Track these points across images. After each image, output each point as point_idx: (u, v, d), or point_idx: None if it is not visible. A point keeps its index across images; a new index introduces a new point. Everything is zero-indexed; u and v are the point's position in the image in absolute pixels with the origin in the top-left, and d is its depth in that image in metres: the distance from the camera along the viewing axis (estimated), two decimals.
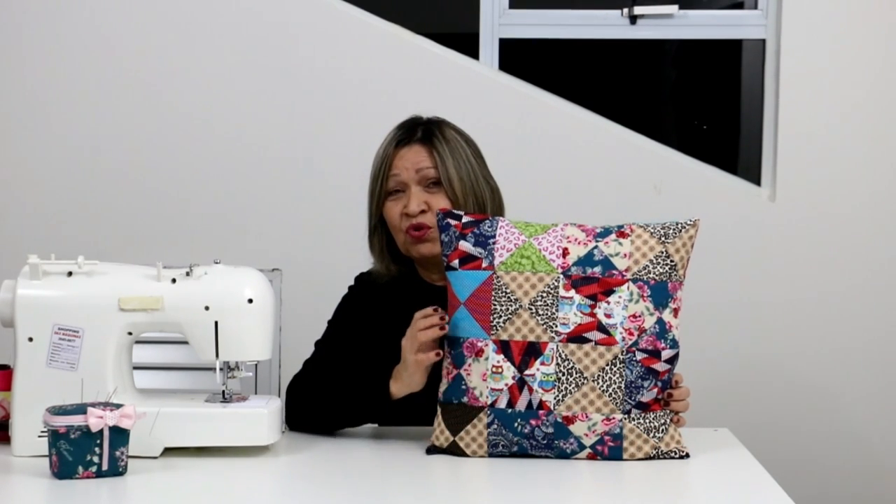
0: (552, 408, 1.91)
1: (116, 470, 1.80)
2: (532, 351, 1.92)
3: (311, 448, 2.03)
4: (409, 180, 2.21)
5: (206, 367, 2.04)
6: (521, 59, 3.49)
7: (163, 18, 3.28)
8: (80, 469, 1.77)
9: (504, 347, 1.93)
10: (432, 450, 1.99)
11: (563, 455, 1.94)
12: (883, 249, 3.26)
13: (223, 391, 1.99)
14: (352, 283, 2.35)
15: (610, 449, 1.93)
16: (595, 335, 1.92)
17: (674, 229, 1.98)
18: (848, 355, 3.27)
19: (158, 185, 3.28)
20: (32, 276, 1.94)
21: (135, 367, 2.02)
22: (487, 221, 2.02)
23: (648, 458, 1.94)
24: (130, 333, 1.96)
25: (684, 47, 4.01)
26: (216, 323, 1.95)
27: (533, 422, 1.92)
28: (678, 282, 1.97)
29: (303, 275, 3.14)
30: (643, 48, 3.91)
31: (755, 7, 3.37)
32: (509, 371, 1.93)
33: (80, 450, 1.77)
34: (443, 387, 1.99)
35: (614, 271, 1.94)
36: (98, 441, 1.78)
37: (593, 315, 1.92)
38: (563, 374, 1.91)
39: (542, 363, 1.92)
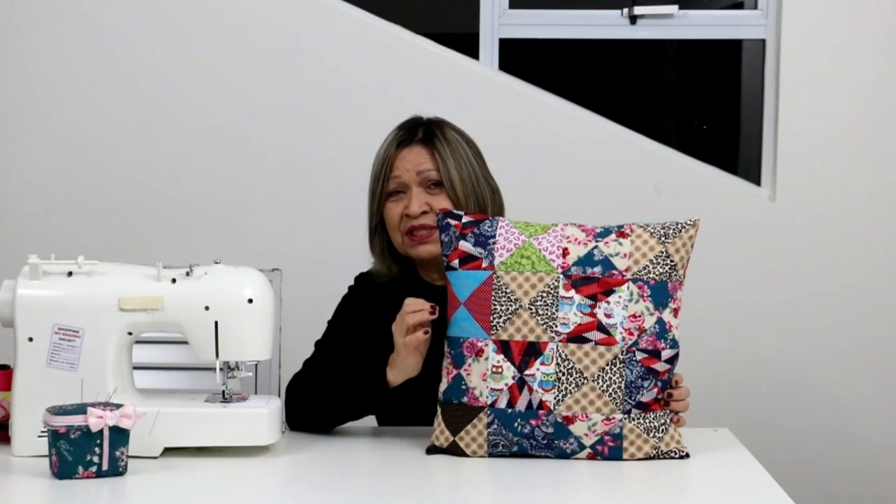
0: (552, 408, 1.91)
1: (116, 470, 1.80)
2: (532, 351, 1.92)
3: (311, 448, 2.03)
4: (411, 181, 2.21)
5: (206, 367, 2.04)
6: (521, 59, 3.49)
7: (163, 18, 3.28)
8: (80, 469, 1.78)
9: (504, 347, 1.93)
10: (432, 450, 1.99)
11: (563, 455, 1.94)
12: (883, 249, 3.26)
13: (223, 391, 1.99)
14: (352, 283, 2.35)
15: (610, 449, 1.93)
16: (595, 335, 1.92)
17: (674, 229, 1.98)
18: (848, 355, 3.27)
19: (158, 185, 3.28)
20: (32, 276, 1.94)
21: (135, 367, 2.02)
22: (487, 221, 2.02)
23: (648, 458, 1.94)
24: (130, 333, 1.96)
25: (684, 47, 4.01)
26: (216, 323, 1.95)
27: (533, 422, 1.92)
28: (678, 282, 1.97)
29: (303, 275, 3.14)
30: (643, 48, 3.91)
31: (755, 7, 3.37)
32: (509, 371, 1.93)
33: (80, 450, 1.77)
34: (443, 387, 1.99)
35: (614, 271, 1.94)
36: (98, 441, 1.78)
37: (593, 315, 1.92)
38: (563, 374, 1.91)
39: (542, 363, 1.92)
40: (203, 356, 1.97)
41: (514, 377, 1.92)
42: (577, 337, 1.92)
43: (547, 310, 1.93)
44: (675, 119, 4.35)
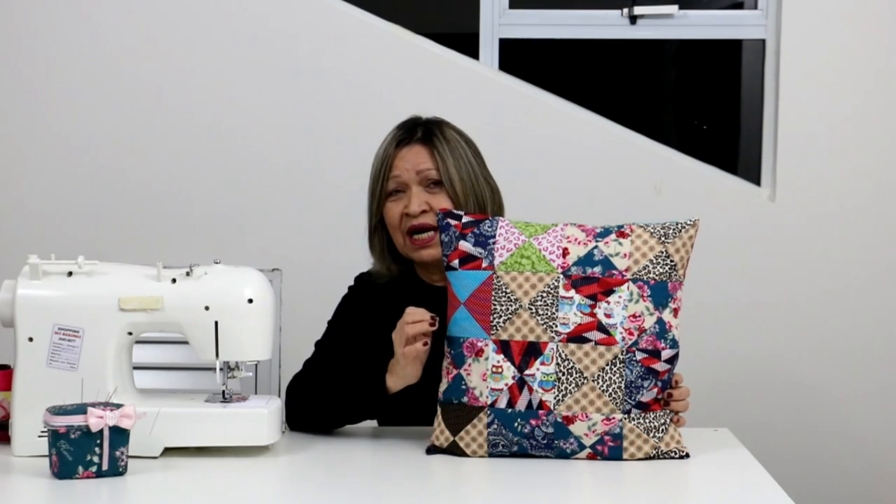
0: (552, 408, 1.91)
1: (116, 470, 1.80)
2: (532, 351, 1.92)
3: (311, 448, 2.03)
4: (410, 181, 2.21)
5: (206, 367, 2.04)
6: (521, 59, 3.49)
7: (163, 19, 3.28)
8: (80, 469, 1.78)
9: (504, 347, 1.93)
10: (432, 450, 1.99)
11: (563, 455, 1.94)
12: (883, 249, 3.26)
13: (223, 391, 1.99)
14: (352, 283, 2.35)
15: (610, 449, 1.93)
16: (595, 335, 1.92)
17: (674, 229, 1.98)
18: (848, 355, 3.26)
19: (158, 185, 3.28)
20: (32, 276, 1.94)
21: (135, 367, 2.02)
22: (487, 221, 2.02)
23: (648, 458, 1.94)
24: (130, 333, 1.96)
25: (684, 47, 4.01)
26: (216, 323, 1.95)
27: (533, 422, 1.92)
28: (678, 282, 1.97)
29: (303, 275, 3.14)
30: (643, 48, 3.90)
31: (755, 7, 3.37)
32: (509, 371, 1.93)
33: (80, 450, 1.77)
34: (443, 387, 1.99)
35: (614, 271, 1.94)
36: (98, 441, 1.78)
37: (593, 315, 1.92)
38: (563, 374, 1.91)
39: (542, 363, 1.92)
40: (203, 356, 1.97)
41: (514, 377, 1.92)
42: (577, 337, 1.92)
43: (547, 310, 1.93)
44: (675, 119, 4.34)
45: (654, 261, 1.95)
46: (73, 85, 3.28)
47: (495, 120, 3.23)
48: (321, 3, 3.28)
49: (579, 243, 1.96)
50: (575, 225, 2.00)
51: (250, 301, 1.96)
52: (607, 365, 1.92)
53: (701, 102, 4.25)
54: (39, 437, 1.90)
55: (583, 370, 1.91)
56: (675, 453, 1.95)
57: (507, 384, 1.93)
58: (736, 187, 3.32)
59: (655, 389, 1.94)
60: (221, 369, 1.99)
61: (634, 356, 1.92)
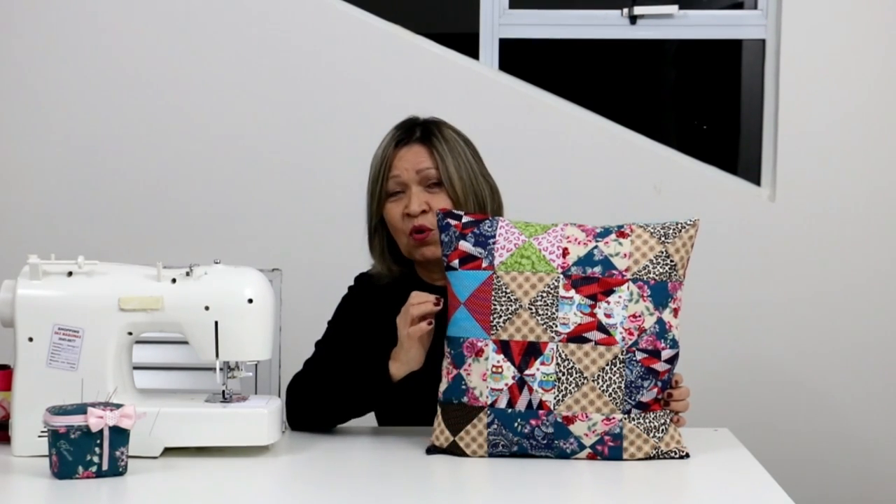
0: (552, 408, 1.91)
1: (116, 470, 1.80)
2: (532, 351, 1.92)
3: (311, 448, 2.03)
4: (410, 181, 2.21)
5: (206, 367, 2.04)
6: (521, 59, 3.49)
7: (163, 19, 3.28)
8: (80, 469, 1.77)
9: (504, 347, 1.93)
10: (432, 450, 1.99)
11: (563, 455, 1.94)
12: (883, 249, 3.26)
13: (223, 391, 1.99)
14: (352, 283, 2.35)
15: (610, 449, 1.93)
16: (595, 335, 1.92)
17: (674, 229, 1.98)
18: (848, 355, 3.27)
19: (158, 185, 3.28)
20: (32, 276, 1.94)
21: (135, 367, 2.02)
22: (487, 221, 2.02)
23: (648, 458, 1.94)
24: (130, 333, 1.96)
25: (684, 47, 4.01)
26: (216, 323, 1.95)
27: (533, 422, 1.92)
28: (678, 282, 1.97)
29: (303, 275, 3.14)
30: (643, 48, 3.90)
31: (755, 7, 3.37)
32: (509, 371, 1.93)
33: (80, 450, 1.77)
34: (443, 387, 1.99)
35: (614, 271, 1.94)
36: (98, 441, 1.78)
37: (593, 315, 1.92)
38: (563, 374, 1.91)
39: (542, 363, 1.92)
40: (203, 356, 1.97)
41: (514, 377, 1.92)
42: (577, 337, 1.92)
43: (547, 310, 1.92)
44: (675, 119, 4.35)
45: (655, 261, 1.95)
46: (73, 85, 3.28)
47: (495, 120, 3.23)
48: (321, 2, 3.28)
49: (579, 243, 1.96)
50: (575, 225, 2.00)
51: (250, 301, 1.96)
52: (607, 365, 1.91)
53: (701, 102, 4.25)
54: (39, 437, 1.90)
55: (583, 370, 1.91)
56: (675, 453, 1.95)
57: (507, 384, 1.93)
58: (736, 187, 3.32)
59: (655, 389, 1.94)
60: (221, 369, 1.99)
61: (634, 356, 1.92)
